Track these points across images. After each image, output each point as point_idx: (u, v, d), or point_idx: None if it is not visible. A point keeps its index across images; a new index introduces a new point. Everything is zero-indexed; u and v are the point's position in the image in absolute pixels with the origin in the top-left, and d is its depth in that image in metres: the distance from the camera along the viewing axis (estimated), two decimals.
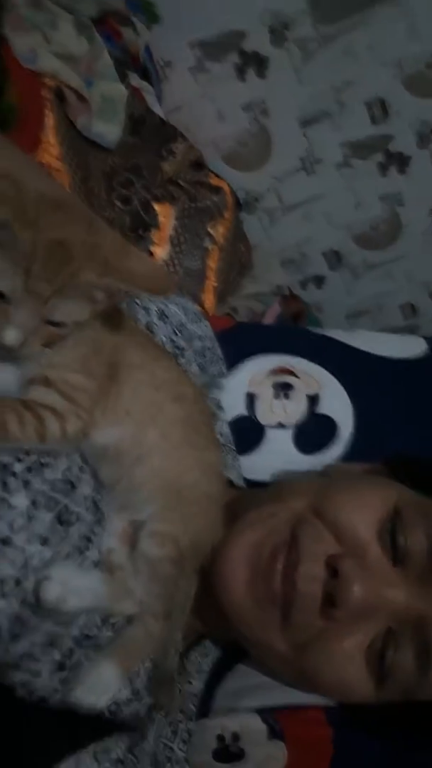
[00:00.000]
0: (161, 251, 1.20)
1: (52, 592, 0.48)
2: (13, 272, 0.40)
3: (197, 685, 0.67)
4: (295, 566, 0.58)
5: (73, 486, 0.53)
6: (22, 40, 1.03)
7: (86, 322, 0.46)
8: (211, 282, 1.35)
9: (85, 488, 0.54)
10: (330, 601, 0.55)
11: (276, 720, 0.64)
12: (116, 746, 0.56)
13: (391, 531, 0.57)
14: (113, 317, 0.52)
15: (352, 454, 0.80)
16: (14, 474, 0.49)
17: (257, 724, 0.63)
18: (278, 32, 1.66)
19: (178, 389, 0.56)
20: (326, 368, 0.89)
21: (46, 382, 0.46)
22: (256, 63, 1.71)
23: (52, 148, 1.04)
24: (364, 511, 0.60)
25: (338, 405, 0.85)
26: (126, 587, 0.54)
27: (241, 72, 1.73)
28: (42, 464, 0.51)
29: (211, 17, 1.63)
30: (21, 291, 0.40)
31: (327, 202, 1.98)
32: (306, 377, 0.89)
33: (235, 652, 0.70)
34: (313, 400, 0.87)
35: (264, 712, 0.64)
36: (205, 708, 0.67)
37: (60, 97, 1.09)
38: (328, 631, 0.57)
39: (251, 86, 1.76)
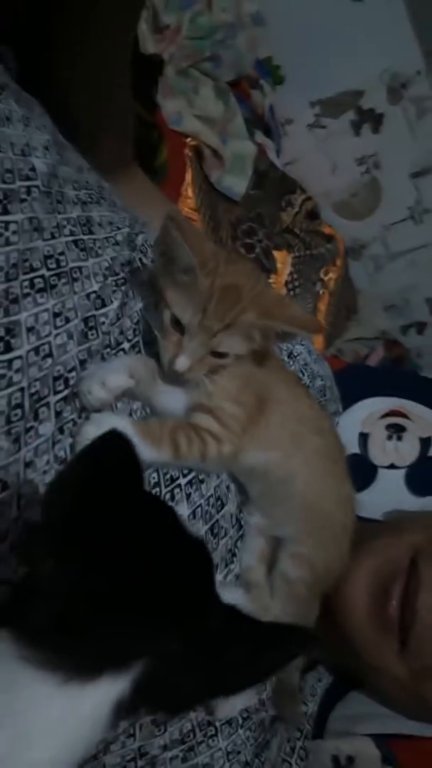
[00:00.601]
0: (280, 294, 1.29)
1: None
2: (194, 309, 0.48)
3: (311, 707, 0.72)
4: (415, 593, 0.61)
5: (222, 503, 0.60)
6: (170, 104, 1.16)
7: (242, 359, 0.54)
8: (321, 323, 1.42)
9: (231, 506, 0.61)
10: None
11: (389, 748, 0.66)
12: (245, 749, 0.60)
13: None
14: (264, 356, 0.59)
15: None
16: (180, 486, 0.56)
17: (371, 750, 0.66)
18: (395, 90, 1.73)
19: (319, 423, 0.61)
20: None
21: (207, 410, 0.52)
22: (372, 119, 1.79)
23: (189, 201, 1.16)
24: None
25: None
26: (263, 604, 0.59)
27: (356, 127, 1.81)
28: (200, 480, 0.58)
29: (332, 78, 1.72)
30: (197, 326, 0.48)
31: None
32: (419, 420, 0.93)
33: (346, 680, 0.74)
34: (425, 443, 0.90)
35: (378, 739, 0.67)
36: (318, 730, 0.70)
37: (198, 154, 1.22)
38: None
39: (365, 141, 1.83)
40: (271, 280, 1.29)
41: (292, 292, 1.31)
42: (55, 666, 0.30)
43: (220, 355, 0.50)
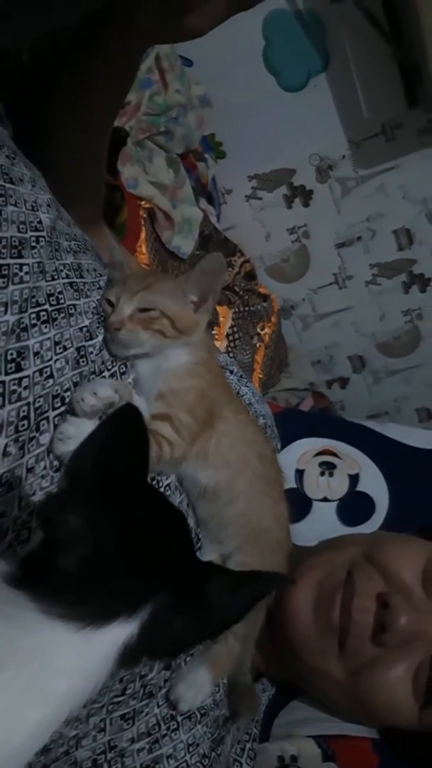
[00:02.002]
0: (220, 345, 1.40)
1: None
2: (120, 286, 0.62)
3: (257, 714, 0.76)
4: (350, 599, 0.69)
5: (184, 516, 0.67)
6: (128, 170, 1.27)
7: (198, 371, 0.63)
8: (258, 374, 1.54)
9: (191, 520, 0.69)
10: (381, 628, 0.65)
11: (329, 746, 0.71)
12: (203, 742, 0.65)
13: None
14: (219, 380, 0.68)
15: (388, 529, 0.92)
16: None
17: (313, 749, 0.71)
18: (323, 171, 1.94)
19: (262, 450, 0.69)
20: (364, 452, 1.02)
21: (165, 417, 0.60)
22: (302, 195, 1.99)
23: (143, 256, 1.26)
24: (409, 559, 0.70)
25: (375, 484, 0.96)
26: None
27: (288, 201, 2.00)
28: (167, 496, 0.65)
29: (268, 157, 1.92)
30: (121, 293, 0.61)
31: (355, 313, 2.19)
32: (347, 459, 1.02)
33: (288, 691, 0.80)
34: (353, 479, 0.99)
35: (318, 739, 0.71)
36: (264, 735, 0.75)
37: (152, 216, 1.34)
38: (379, 658, 0.65)
39: (296, 213, 2.02)
40: (213, 332, 1.40)
41: (232, 344, 1.43)
42: (72, 617, 0.35)
43: (146, 310, 0.60)
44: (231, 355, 1.43)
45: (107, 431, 0.42)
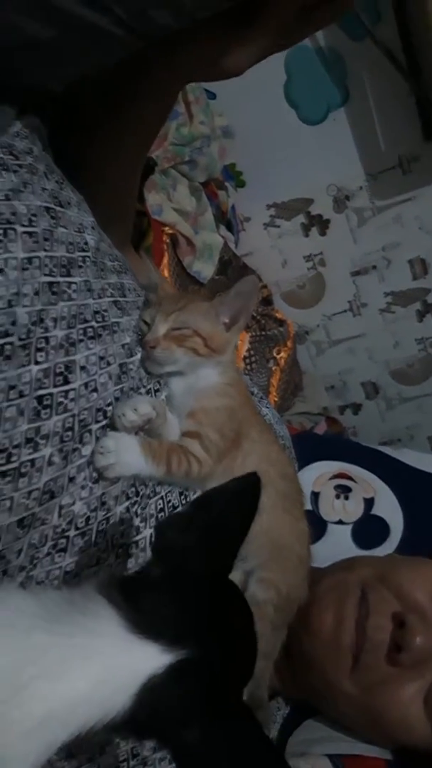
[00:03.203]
0: (239, 367, 1.44)
1: None
2: (155, 307, 0.64)
3: (273, 732, 0.77)
4: (366, 618, 0.70)
5: None
6: (153, 197, 1.32)
7: (226, 388, 0.65)
8: (273, 396, 1.57)
9: None
10: (396, 647, 0.65)
11: (343, 765, 0.70)
12: None
13: None
14: (248, 400, 0.70)
15: (402, 553, 0.93)
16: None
17: (327, 766, 0.70)
18: (340, 201, 1.99)
19: (285, 469, 0.70)
20: (379, 476, 1.03)
21: (195, 435, 0.62)
22: (319, 224, 2.03)
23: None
24: (423, 580, 0.70)
25: (390, 509, 0.97)
26: None
27: (306, 229, 2.05)
28: None
29: (286, 186, 1.96)
30: (156, 313, 0.63)
31: (369, 339, 2.22)
32: (363, 483, 1.03)
33: (302, 710, 0.80)
34: (368, 502, 1.00)
35: (333, 757, 0.71)
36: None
37: (174, 241, 1.38)
38: (393, 675, 0.65)
39: (313, 241, 2.07)
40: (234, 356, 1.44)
41: (249, 367, 1.46)
42: (129, 620, 0.38)
43: (180, 329, 0.63)
44: (248, 376, 1.46)
45: (230, 496, 0.46)
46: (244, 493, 0.47)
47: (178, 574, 0.42)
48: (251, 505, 0.47)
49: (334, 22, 0.60)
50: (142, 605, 0.39)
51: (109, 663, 0.38)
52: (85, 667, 0.37)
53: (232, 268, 1.62)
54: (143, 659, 0.38)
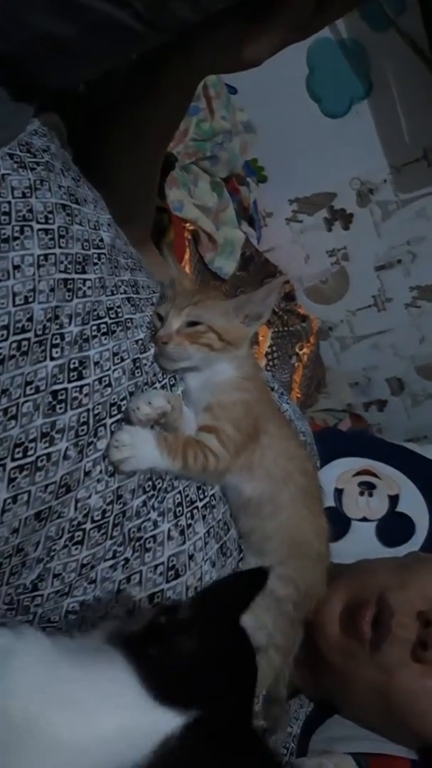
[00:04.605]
0: (260, 363, 1.43)
1: None
2: (170, 301, 0.64)
3: (295, 729, 0.76)
4: (391, 615, 0.69)
5: (228, 527, 0.69)
6: (174, 194, 1.32)
7: (243, 383, 0.65)
8: (296, 393, 1.56)
9: (234, 531, 0.70)
10: (422, 644, 0.65)
11: (368, 763, 0.70)
12: None
13: None
14: (265, 395, 0.70)
15: (427, 551, 0.92)
16: (197, 508, 0.66)
17: (351, 765, 0.69)
18: (364, 195, 1.96)
19: (304, 464, 0.70)
20: (404, 473, 1.02)
21: (212, 429, 0.62)
22: (343, 218, 2.01)
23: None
24: None
25: (415, 506, 0.96)
26: (260, 620, 0.65)
27: (329, 224, 2.02)
28: (212, 505, 0.67)
29: (309, 181, 1.94)
30: (171, 307, 0.63)
31: (394, 335, 2.17)
32: (387, 479, 1.02)
33: (325, 708, 0.80)
34: (393, 499, 0.99)
35: (357, 756, 0.70)
36: (302, 750, 0.76)
37: (195, 237, 1.38)
38: (417, 669, 0.65)
39: (336, 236, 2.04)
40: (253, 351, 1.43)
41: (271, 363, 1.45)
42: (147, 683, 0.41)
43: (194, 324, 0.62)
44: (271, 372, 1.45)
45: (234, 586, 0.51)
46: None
47: (185, 627, 0.44)
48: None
49: (352, 10, 0.59)
50: (155, 666, 0.41)
51: (130, 717, 0.40)
52: (112, 717, 0.39)
53: (254, 264, 1.61)
54: (161, 721, 0.40)
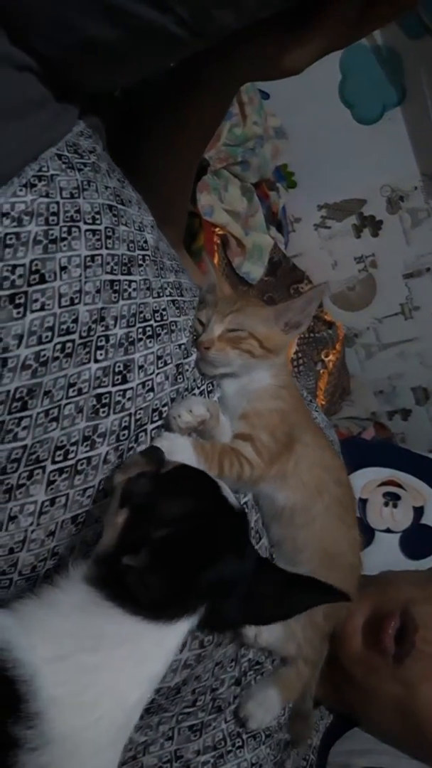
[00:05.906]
0: None
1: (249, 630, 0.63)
2: (212, 307, 0.64)
3: (315, 740, 0.76)
4: (414, 631, 0.69)
5: (260, 537, 0.69)
6: (204, 198, 1.32)
7: (279, 391, 0.64)
8: (320, 400, 1.55)
9: (266, 540, 0.70)
10: None
11: None
12: (266, 764, 0.66)
13: None
14: (300, 404, 0.70)
15: None
16: None
17: None
18: (394, 202, 1.95)
19: (339, 475, 0.70)
20: (429, 484, 1.01)
21: (247, 438, 0.62)
22: (372, 225, 1.99)
23: None
24: None
25: None
26: (290, 628, 0.65)
27: (357, 231, 2.01)
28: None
29: (338, 187, 1.94)
30: (213, 313, 0.63)
31: (421, 344, 2.15)
32: (412, 491, 1.01)
33: (345, 721, 0.79)
34: (418, 511, 0.98)
35: None
36: (321, 762, 0.76)
37: (224, 242, 1.38)
38: None
39: (365, 242, 2.03)
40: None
41: (296, 369, 1.45)
42: (153, 618, 0.44)
43: (235, 331, 0.63)
44: (296, 378, 1.44)
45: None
46: None
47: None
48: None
49: (394, 21, 0.59)
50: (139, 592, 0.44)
51: (148, 657, 0.44)
52: (137, 671, 0.43)
53: (282, 269, 1.61)
54: (171, 638, 0.45)
